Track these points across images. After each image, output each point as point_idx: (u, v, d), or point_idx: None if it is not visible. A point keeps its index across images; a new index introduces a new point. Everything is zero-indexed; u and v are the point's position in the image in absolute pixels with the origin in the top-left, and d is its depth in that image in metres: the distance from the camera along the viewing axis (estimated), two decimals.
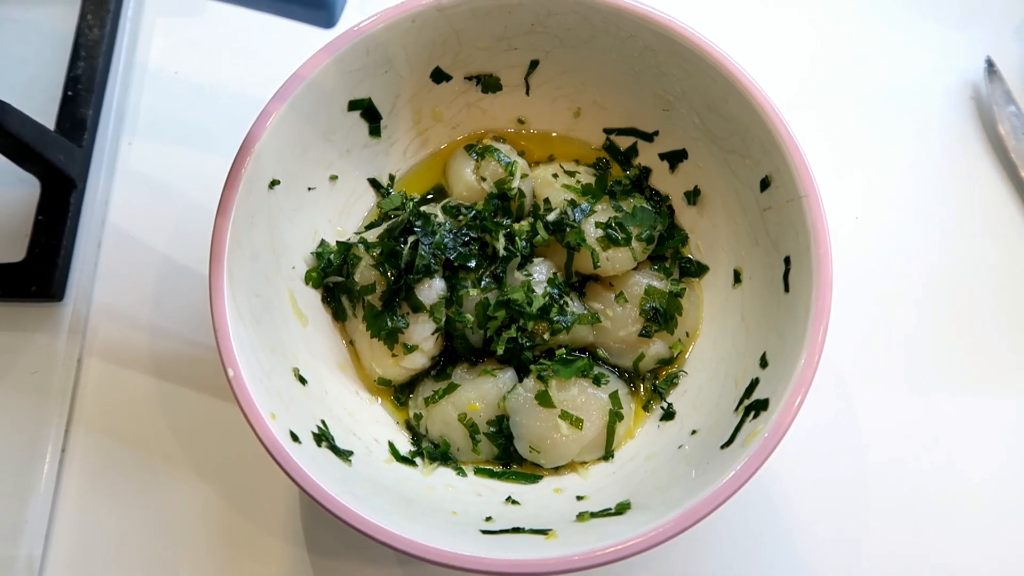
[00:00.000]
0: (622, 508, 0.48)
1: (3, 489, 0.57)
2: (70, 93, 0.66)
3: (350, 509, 0.43)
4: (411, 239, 0.54)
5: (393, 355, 0.55)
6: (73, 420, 0.60)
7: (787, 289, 0.50)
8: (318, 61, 0.52)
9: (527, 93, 0.61)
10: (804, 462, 0.59)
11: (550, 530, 0.47)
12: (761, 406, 0.47)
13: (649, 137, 0.60)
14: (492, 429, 0.54)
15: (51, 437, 0.58)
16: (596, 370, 0.55)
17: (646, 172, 0.61)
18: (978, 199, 0.68)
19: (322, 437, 0.49)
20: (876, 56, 0.73)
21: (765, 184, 0.52)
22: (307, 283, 0.56)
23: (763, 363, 0.50)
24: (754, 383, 0.50)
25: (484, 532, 0.47)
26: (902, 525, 0.58)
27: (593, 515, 0.48)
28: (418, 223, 0.55)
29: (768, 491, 0.59)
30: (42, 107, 0.65)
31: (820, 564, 0.57)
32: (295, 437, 0.46)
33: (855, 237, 0.66)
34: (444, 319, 0.54)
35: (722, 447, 0.47)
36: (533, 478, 0.54)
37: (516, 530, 0.47)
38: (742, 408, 0.49)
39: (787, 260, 0.50)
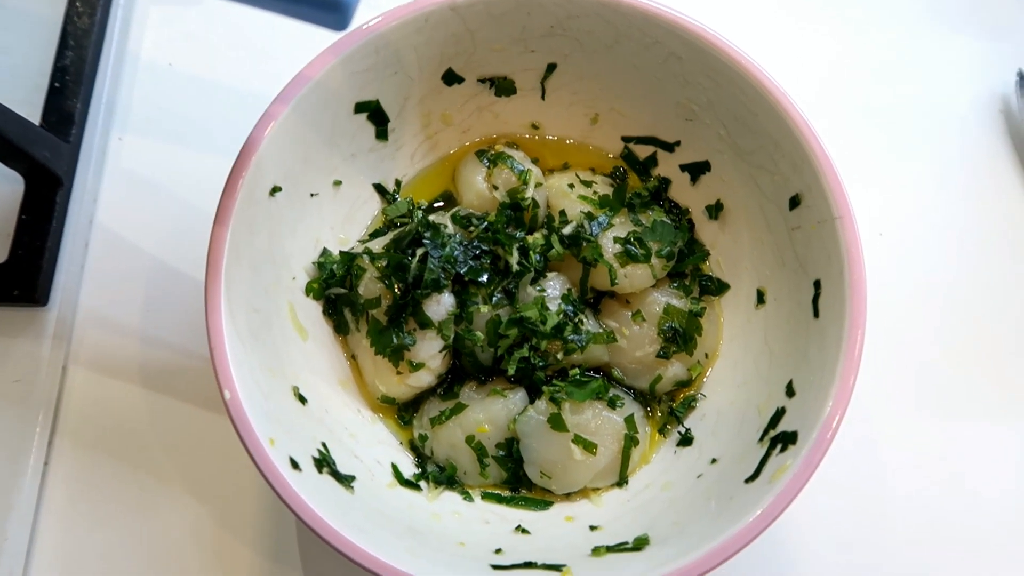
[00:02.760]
0: (640, 543, 0.45)
1: None
2: (57, 85, 0.62)
3: (354, 544, 0.40)
4: (420, 251, 0.51)
5: (398, 372, 0.52)
6: (57, 432, 0.57)
7: (816, 315, 0.48)
8: (324, 61, 0.49)
9: (542, 97, 0.58)
10: (821, 486, 0.57)
11: (564, 566, 0.44)
12: (789, 439, 0.45)
13: (670, 147, 0.57)
14: (501, 452, 0.52)
15: (33, 450, 0.55)
16: (611, 392, 0.52)
17: (665, 183, 0.58)
18: (1009, 217, 0.66)
19: (323, 462, 0.46)
20: (902, 67, 0.70)
21: (795, 202, 0.50)
22: (308, 294, 0.53)
23: (789, 392, 0.47)
24: (779, 412, 0.47)
25: (495, 567, 0.44)
26: (922, 553, 0.56)
27: (609, 549, 0.46)
28: (427, 234, 0.52)
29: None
30: (26, 99, 0.62)
31: None
32: (295, 464, 0.43)
33: (879, 255, 0.63)
34: (453, 336, 0.52)
35: (746, 481, 0.45)
36: (543, 504, 0.52)
37: (528, 565, 0.45)
38: (767, 439, 0.46)
39: (817, 284, 0.48)
